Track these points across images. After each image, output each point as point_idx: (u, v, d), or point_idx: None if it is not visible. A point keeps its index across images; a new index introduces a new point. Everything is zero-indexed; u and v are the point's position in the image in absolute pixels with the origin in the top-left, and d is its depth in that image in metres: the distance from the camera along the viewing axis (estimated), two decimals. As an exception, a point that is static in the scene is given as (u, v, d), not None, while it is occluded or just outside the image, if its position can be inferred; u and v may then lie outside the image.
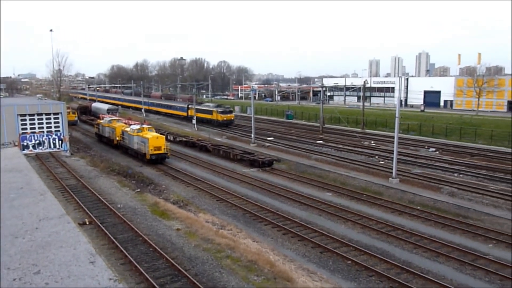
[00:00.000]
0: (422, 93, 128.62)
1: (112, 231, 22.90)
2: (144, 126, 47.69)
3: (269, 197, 32.86)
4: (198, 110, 79.40)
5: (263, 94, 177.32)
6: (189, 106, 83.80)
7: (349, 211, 29.09)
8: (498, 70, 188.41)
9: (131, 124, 50.36)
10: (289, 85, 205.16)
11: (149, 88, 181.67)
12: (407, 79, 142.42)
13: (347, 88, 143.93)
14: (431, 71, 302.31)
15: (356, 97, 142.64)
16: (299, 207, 30.39)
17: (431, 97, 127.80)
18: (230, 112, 78.67)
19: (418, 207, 30.15)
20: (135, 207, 28.02)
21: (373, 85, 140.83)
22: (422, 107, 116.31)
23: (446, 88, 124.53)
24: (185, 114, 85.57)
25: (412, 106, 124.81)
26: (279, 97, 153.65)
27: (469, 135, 61.03)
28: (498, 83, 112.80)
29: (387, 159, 43.29)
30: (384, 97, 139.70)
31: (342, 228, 26.30)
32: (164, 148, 44.06)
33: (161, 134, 49.14)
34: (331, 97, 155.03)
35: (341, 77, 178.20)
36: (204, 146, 52.56)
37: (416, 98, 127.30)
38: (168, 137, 56.23)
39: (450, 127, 67.26)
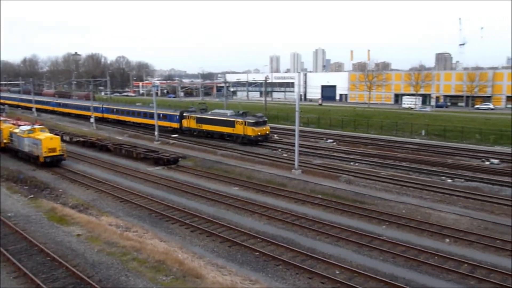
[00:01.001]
0: (320, 87, 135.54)
1: (2, 243, 20.89)
2: (36, 126, 44.04)
3: (176, 195, 32.34)
4: (205, 121, 55.54)
5: (165, 91, 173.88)
6: (185, 114, 58.90)
7: (256, 204, 29.70)
8: (386, 66, 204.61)
9: (20, 125, 46.24)
10: (192, 81, 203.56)
11: (40, 85, 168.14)
12: (306, 74, 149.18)
13: (250, 84, 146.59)
14: (327, 66, 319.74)
15: (258, 92, 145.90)
16: (207, 203, 30.33)
17: (328, 91, 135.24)
18: (265, 122, 53.18)
19: (320, 196, 31.74)
20: (29, 214, 25.87)
21: (274, 81, 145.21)
22: (320, 101, 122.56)
23: (341, 82, 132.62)
24: (177, 125, 59.67)
25: (311, 100, 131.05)
26: (182, 93, 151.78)
27: (362, 126, 65.71)
28: (385, 77, 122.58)
29: (290, 152, 44.90)
30: (285, 92, 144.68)
31: (249, 220, 26.78)
32: (60, 150, 41.11)
33: (56, 134, 45.80)
34: (234, 92, 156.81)
35: (243, 73, 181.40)
36: (105, 146, 50.07)
37: (315, 93, 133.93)
38: (64, 138, 52.62)
39: (346, 119, 71.75)
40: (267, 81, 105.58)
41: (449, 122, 67.00)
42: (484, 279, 18.75)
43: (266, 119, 54.52)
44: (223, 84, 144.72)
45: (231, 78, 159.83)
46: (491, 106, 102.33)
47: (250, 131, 50.49)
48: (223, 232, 24.44)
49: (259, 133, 50.66)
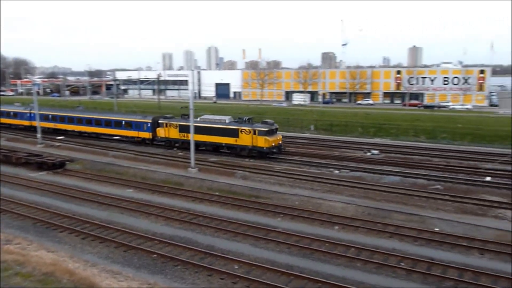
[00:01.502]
0: (214, 85, 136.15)
1: None
2: None
3: (63, 201, 30.16)
4: (195, 130, 40.99)
5: (49, 89, 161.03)
6: (161, 121, 47.59)
7: (151, 205, 28.92)
8: (277, 64, 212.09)
9: None
10: (78, 78, 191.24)
11: None
12: (199, 72, 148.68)
13: (142, 82, 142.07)
14: (220, 64, 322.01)
15: (151, 91, 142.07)
16: (98, 208, 28.77)
17: (222, 89, 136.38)
18: (277, 130, 44.13)
19: (217, 193, 31.94)
20: None
21: (167, 78, 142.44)
22: (214, 99, 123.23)
23: (234, 80, 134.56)
24: (148, 135, 49.10)
25: (205, 98, 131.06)
26: (67, 92, 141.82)
27: (256, 122, 67.30)
28: (276, 75, 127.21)
29: (186, 150, 44.47)
30: (178, 89, 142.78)
31: (145, 223, 26.00)
32: None
33: None
34: (125, 90, 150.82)
35: (134, 70, 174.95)
36: (-23, 151, 44.86)
37: (209, 90, 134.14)
38: None
39: (240, 116, 72.95)
40: (160, 79, 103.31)
41: (335, 117, 71.64)
42: (368, 261, 20.43)
43: (277, 126, 44.57)
44: (112, 82, 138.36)
45: (121, 75, 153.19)
46: (371, 102, 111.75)
47: (263, 142, 41.02)
48: (118, 237, 23.40)
49: (273, 144, 41.70)
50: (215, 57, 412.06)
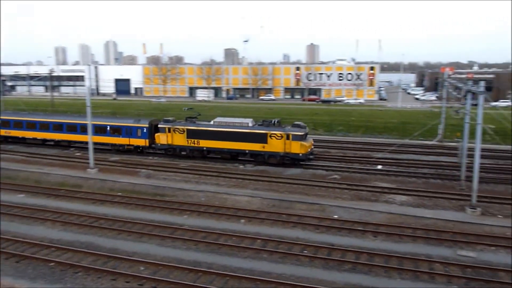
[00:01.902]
0: (113, 81, 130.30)
1: None
2: None
3: None
4: (205, 135, 39.25)
5: None
6: (161, 125, 40.76)
7: (47, 210, 26.92)
8: (179, 59, 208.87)
9: None
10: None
11: None
12: (97, 67, 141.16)
13: (32, 77, 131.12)
14: (120, 59, 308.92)
15: (43, 87, 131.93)
16: (-16, 217, 26.06)
17: (122, 85, 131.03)
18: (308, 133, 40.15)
19: (119, 194, 30.68)
20: None
21: (61, 74, 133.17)
22: (114, 95, 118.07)
23: (135, 76, 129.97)
24: (144, 142, 42.30)
25: (104, 94, 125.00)
26: None
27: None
28: (179, 71, 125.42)
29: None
30: (74, 86, 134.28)
31: (41, 229, 24.13)
32: None
33: None
34: (13, 87, 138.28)
35: (23, 65, 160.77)
36: None
37: (108, 86, 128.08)
38: None
39: (143, 113, 70.88)
40: (53, 75, 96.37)
41: (239, 113, 72.58)
42: (274, 251, 21.09)
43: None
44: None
45: (8, 70, 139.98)
46: (273, 97, 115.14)
47: (298, 148, 36.60)
48: (9, 247, 21.43)
49: (309, 150, 37.70)
50: (113, 51, 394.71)
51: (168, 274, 18.78)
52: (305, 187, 31.72)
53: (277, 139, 37.11)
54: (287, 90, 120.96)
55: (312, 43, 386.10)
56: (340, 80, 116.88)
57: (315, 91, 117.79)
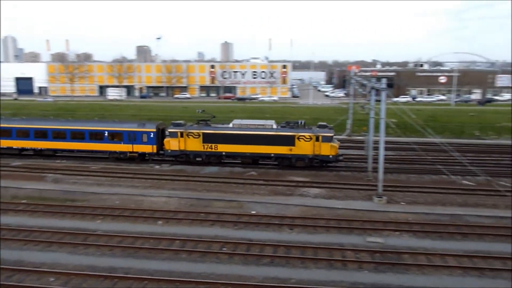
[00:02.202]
0: (13, 80, 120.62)
1: None
2: None
3: None
4: (224, 138, 36.74)
5: None
6: (171, 130, 37.51)
7: None
8: (87, 57, 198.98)
9: None
10: None
11: None
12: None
13: None
14: (20, 56, 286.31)
15: None
16: None
17: (24, 84, 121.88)
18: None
19: (24, 201, 28.47)
20: None
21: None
22: (15, 95, 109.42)
23: (39, 74, 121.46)
24: (150, 149, 38.53)
25: (4, 94, 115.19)
26: None
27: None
28: (88, 69, 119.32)
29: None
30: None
31: None
32: None
33: None
34: None
35: None
36: None
37: (8, 85, 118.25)
38: None
39: (48, 113, 66.39)
40: None
41: (153, 112, 70.94)
42: (193, 250, 20.93)
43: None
44: None
45: None
46: (188, 95, 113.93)
47: (328, 149, 35.57)
48: None
49: (338, 151, 36.46)
50: (13, 48, 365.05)
51: (81, 283, 17.84)
52: (223, 185, 31.87)
53: (306, 141, 35.86)
54: (203, 88, 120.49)
55: (226, 41, 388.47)
56: (254, 78, 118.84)
57: (230, 89, 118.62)
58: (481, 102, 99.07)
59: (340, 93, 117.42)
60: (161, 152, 38.80)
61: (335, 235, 23.17)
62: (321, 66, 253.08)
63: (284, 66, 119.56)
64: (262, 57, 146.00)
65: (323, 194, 29.95)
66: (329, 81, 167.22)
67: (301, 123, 37.90)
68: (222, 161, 38.08)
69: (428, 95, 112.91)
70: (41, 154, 40.81)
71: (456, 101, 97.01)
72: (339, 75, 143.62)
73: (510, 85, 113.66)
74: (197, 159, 37.84)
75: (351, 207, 27.50)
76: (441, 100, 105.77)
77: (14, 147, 40.64)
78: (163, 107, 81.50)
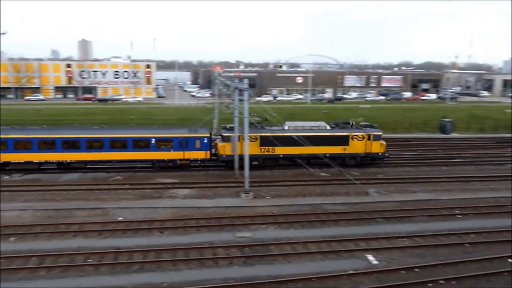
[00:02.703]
0: None
1: None
2: None
3: None
4: (282, 141, 35.54)
5: None
6: (225, 133, 35.73)
7: None
8: None
9: None
10: None
11: None
12: None
13: None
14: None
15: None
16: None
17: None
18: None
19: None
20: None
21: None
22: None
23: None
24: (204, 155, 36.08)
25: None
26: None
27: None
28: None
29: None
30: None
31: None
32: None
33: None
34: None
35: None
36: None
37: None
38: None
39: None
40: None
41: (7, 116, 63.28)
42: (53, 266, 19.22)
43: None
44: None
45: None
46: (41, 97, 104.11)
47: (378, 147, 37.89)
48: None
49: (385, 148, 38.67)
50: None
51: None
52: (85, 192, 29.89)
53: (359, 140, 37.61)
54: (58, 89, 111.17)
55: (84, 39, 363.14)
56: (116, 78, 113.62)
57: (90, 90, 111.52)
58: (331, 100, 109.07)
59: (206, 93, 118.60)
60: (214, 157, 37.20)
61: (205, 234, 23.37)
62: (186, 66, 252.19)
63: (148, 66, 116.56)
64: (124, 56, 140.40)
65: (193, 194, 29.99)
66: (194, 81, 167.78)
67: (352, 123, 39.63)
68: (277, 164, 37.99)
69: (287, 94, 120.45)
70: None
71: (312, 100, 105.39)
72: (204, 75, 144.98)
73: (357, 85, 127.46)
74: (254, 163, 36.05)
75: (220, 204, 28.03)
76: (299, 99, 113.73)
77: (35, 161, 34.72)
78: (13, 111, 73.21)
